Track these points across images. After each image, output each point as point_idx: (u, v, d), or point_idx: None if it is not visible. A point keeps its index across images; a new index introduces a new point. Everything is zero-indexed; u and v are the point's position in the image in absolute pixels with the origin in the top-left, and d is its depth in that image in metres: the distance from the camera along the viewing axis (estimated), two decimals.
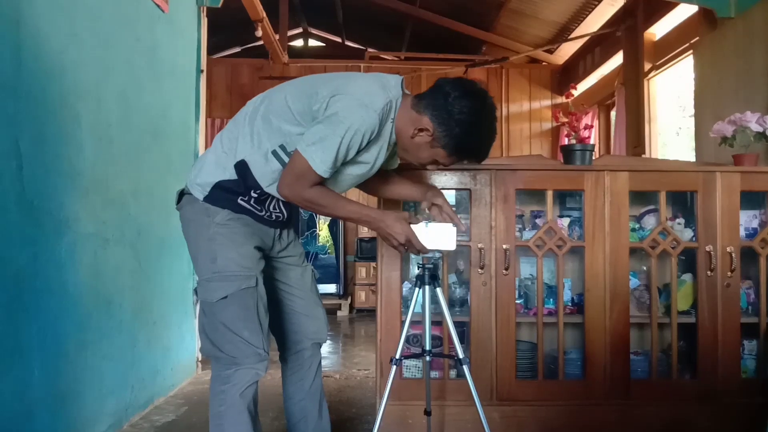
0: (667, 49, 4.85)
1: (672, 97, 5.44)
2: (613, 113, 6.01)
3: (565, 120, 2.86)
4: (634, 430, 2.48)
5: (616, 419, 2.48)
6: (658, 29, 5.00)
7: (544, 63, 7.38)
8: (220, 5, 3.67)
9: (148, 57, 2.94)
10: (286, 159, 1.72)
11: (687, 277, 2.66)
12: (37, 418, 2.03)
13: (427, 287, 2.02)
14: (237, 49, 8.46)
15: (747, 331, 2.60)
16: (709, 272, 2.51)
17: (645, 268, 2.70)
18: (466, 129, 1.70)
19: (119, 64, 2.64)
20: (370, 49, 8.00)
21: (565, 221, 2.66)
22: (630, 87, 5.31)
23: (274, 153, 1.73)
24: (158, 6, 2.98)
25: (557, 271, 2.55)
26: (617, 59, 5.69)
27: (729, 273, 2.51)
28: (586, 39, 6.19)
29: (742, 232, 2.61)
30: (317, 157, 1.64)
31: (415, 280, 2.08)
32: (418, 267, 2.07)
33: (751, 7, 3.51)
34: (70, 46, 2.24)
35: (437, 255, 2.18)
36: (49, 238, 2.09)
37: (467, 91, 1.71)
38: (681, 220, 2.65)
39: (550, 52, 7.13)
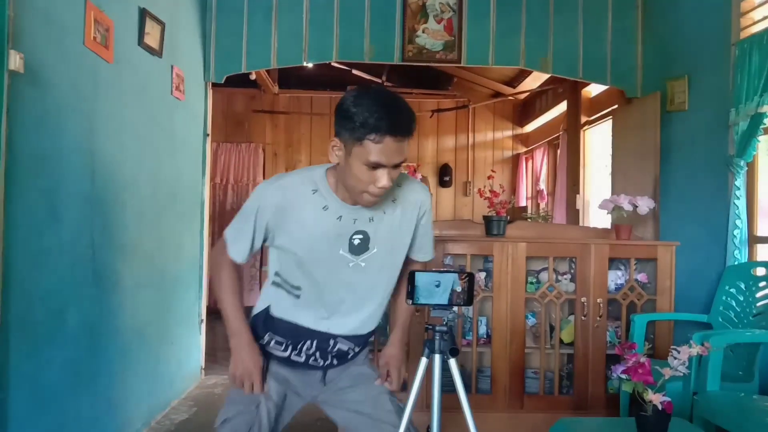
0: (598, 108, 5.75)
1: (605, 144, 6.31)
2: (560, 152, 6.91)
3: (489, 196, 3.74)
4: None
5: (512, 425, 3.40)
6: (593, 88, 5.87)
7: (509, 96, 8.27)
8: (222, 81, 4.52)
9: (169, 139, 3.80)
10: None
11: (572, 318, 3.59)
12: (101, 421, 2.92)
13: (436, 356, 1.62)
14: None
15: (615, 359, 3.51)
16: (583, 317, 3.44)
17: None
18: (352, 103, 1.57)
19: (149, 153, 3.50)
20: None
21: (482, 275, 3.57)
22: (570, 134, 6.21)
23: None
24: (177, 99, 3.83)
25: (474, 312, 3.46)
26: (563, 106, 6.58)
27: (598, 318, 3.44)
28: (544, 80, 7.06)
29: (612, 286, 3.53)
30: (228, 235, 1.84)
31: (423, 348, 1.66)
32: (427, 329, 1.64)
33: (649, 93, 4.40)
34: (120, 155, 3.10)
35: (450, 315, 1.83)
36: (108, 294, 2.97)
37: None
38: (568, 276, 3.57)
39: (513, 87, 8.01)
